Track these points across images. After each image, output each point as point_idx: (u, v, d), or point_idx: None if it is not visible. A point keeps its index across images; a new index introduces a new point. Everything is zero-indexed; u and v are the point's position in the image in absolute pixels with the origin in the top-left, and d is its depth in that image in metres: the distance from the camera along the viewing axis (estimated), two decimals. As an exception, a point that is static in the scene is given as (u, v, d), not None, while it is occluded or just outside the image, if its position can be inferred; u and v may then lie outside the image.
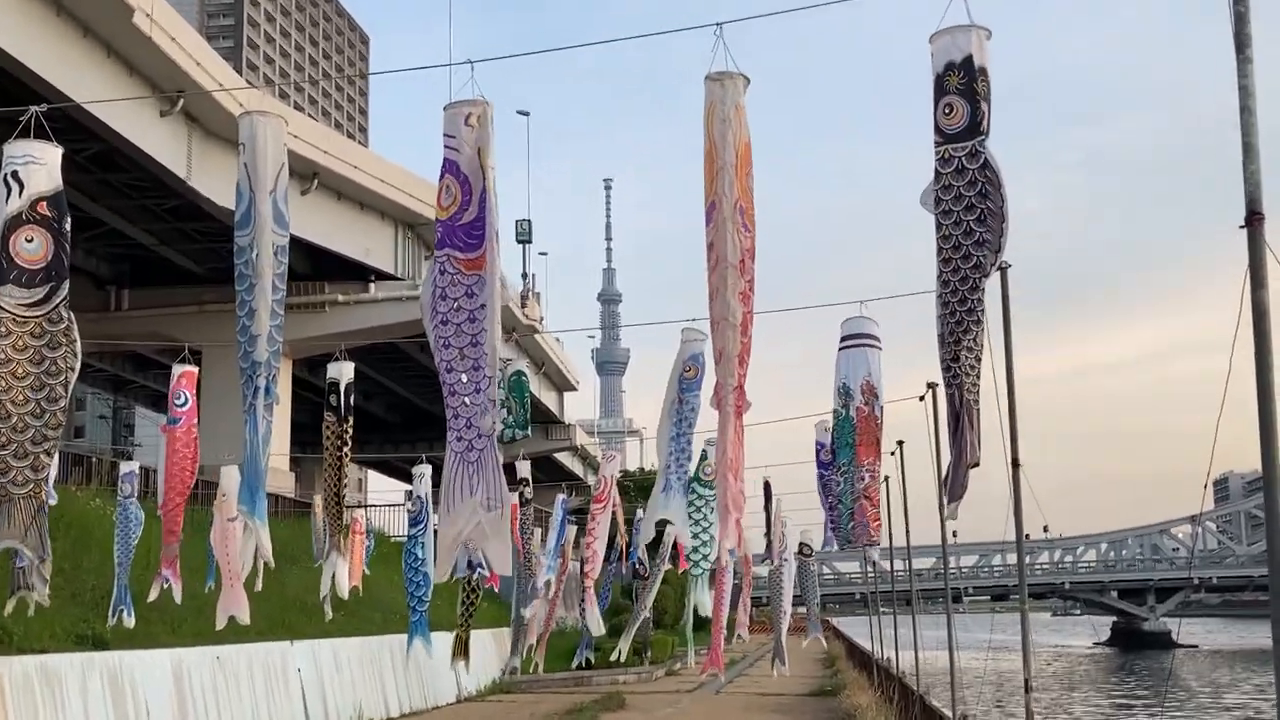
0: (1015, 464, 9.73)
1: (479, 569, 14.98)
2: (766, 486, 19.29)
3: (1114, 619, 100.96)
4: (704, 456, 12.72)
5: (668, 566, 21.42)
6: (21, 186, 7.65)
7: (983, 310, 6.67)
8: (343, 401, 11.25)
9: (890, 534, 25.77)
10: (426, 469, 16.07)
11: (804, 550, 19.77)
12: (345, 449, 11.15)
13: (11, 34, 25.70)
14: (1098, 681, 60.16)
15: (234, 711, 17.95)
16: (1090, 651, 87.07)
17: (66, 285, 7.66)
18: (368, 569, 23.72)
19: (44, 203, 7.66)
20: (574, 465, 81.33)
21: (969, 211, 6.54)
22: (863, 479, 12.54)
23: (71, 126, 27.91)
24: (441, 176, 7.22)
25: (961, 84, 6.56)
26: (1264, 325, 5.34)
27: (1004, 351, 10.29)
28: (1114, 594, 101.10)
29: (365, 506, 44.15)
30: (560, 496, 21.93)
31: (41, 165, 7.74)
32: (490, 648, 30.30)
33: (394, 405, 64.61)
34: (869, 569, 43.39)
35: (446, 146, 7.19)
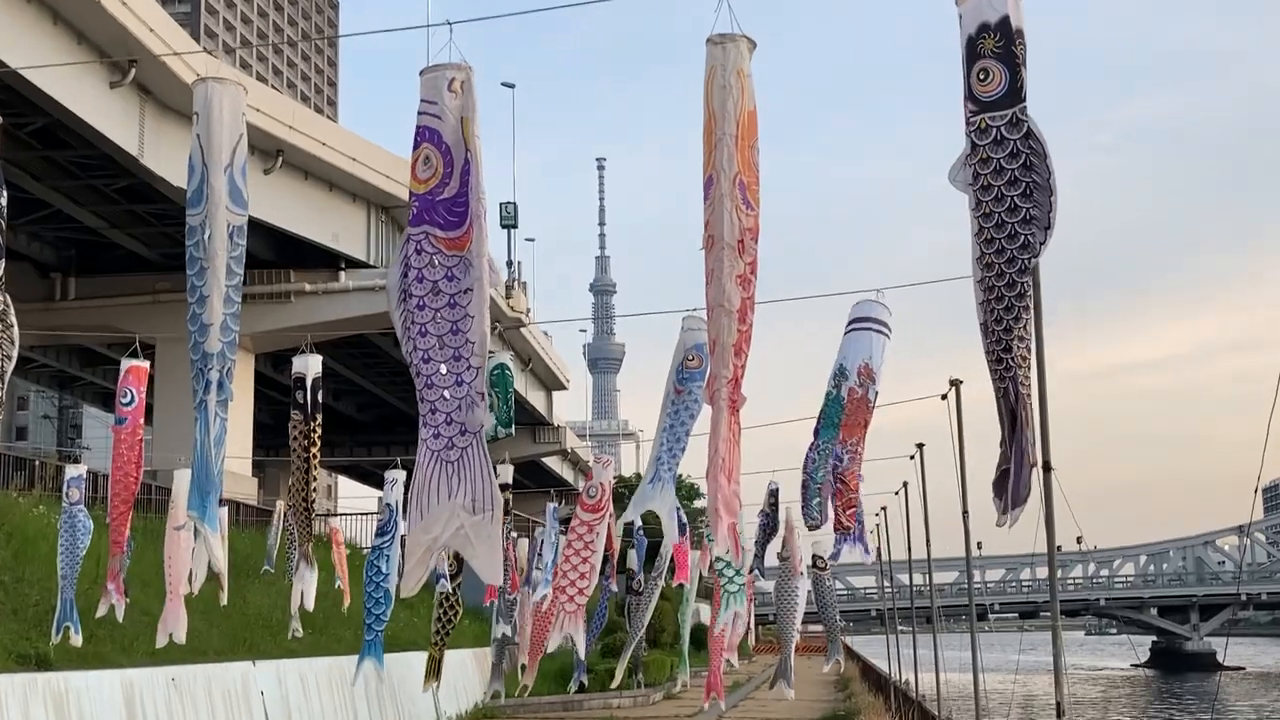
0: (1046, 468, 9.70)
1: (441, 579, 14.93)
2: (774, 494, 19.26)
3: (1154, 638, 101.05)
4: None
5: (678, 584, 21.45)
6: (-47, 161, 7.59)
7: (1031, 294, 6.62)
8: (310, 398, 11.21)
9: (909, 546, 25.83)
10: (400, 474, 16.01)
11: (818, 564, 19.75)
12: (314, 450, 11.11)
13: (-54, -3, 25.66)
14: (1136, 706, 60.23)
15: (190, 738, 17.92)
16: (1128, 673, 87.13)
17: (2, 267, 7.60)
18: (338, 583, 23.74)
19: (-22, 179, 7.60)
20: (563, 471, 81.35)
21: (1012, 186, 6.49)
22: (840, 459, 12.64)
23: (13, 98, 27.87)
24: (418, 146, 7.13)
25: (998, 47, 6.52)
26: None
27: (1035, 346, 10.27)
28: (1154, 611, 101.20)
29: (335, 515, 44.14)
30: (551, 505, 21.90)
31: (-23, 138, 7.69)
32: (471, 669, 30.29)
33: (366, 404, 64.58)
34: (886, 583, 43.45)
35: (425, 113, 7.10)
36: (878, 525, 34.97)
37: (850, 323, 12.62)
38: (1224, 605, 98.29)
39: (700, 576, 23.20)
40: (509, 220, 65.73)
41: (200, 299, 8.05)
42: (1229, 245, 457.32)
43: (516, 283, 58.71)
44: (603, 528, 15.96)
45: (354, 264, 42.72)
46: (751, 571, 19.72)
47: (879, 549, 37.44)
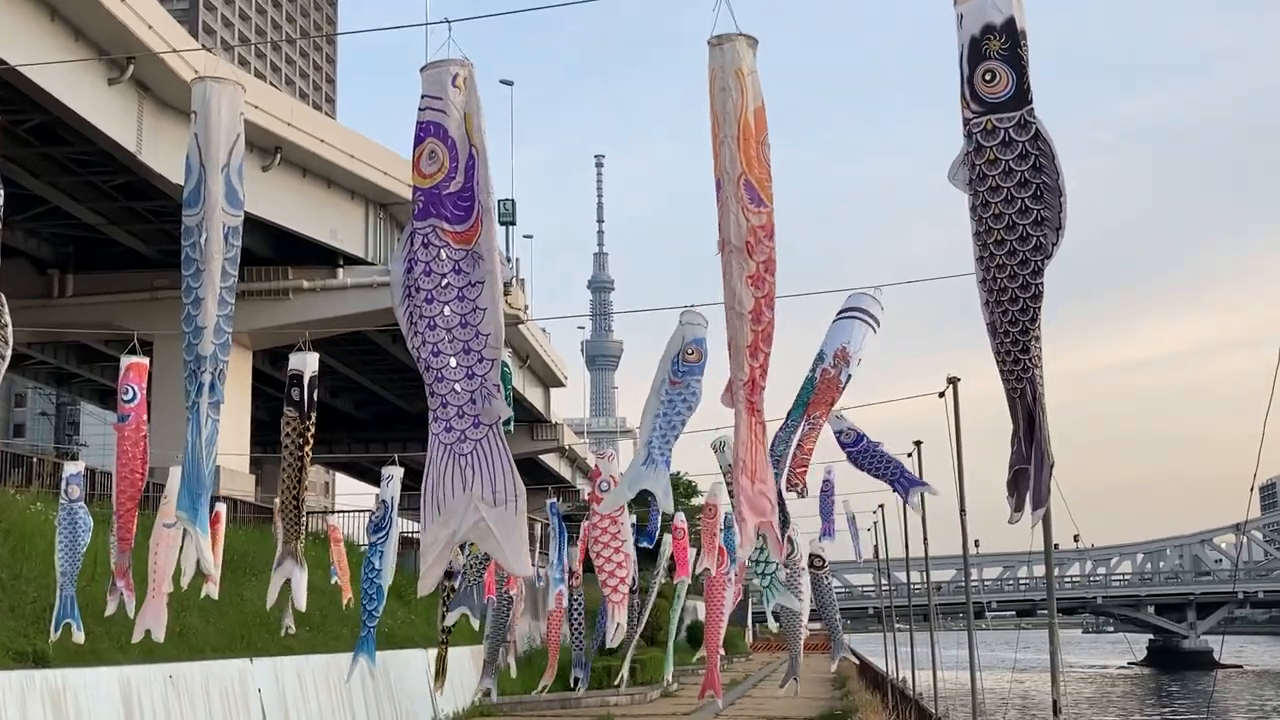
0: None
1: (456, 575, 14.87)
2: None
3: (1150, 637, 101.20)
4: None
5: (663, 580, 21.48)
6: (-48, 158, 7.58)
7: (1044, 295, 6.63)
8: (306, 396, 11.20)
9: (907, 544, 25.84)
10: (397, 471, 16.02)
11: (815, 562, 19.74)
12: (307, 448, 11.11)
13: (-56, -7, 25.65)
14: (1133, 704, 60.30)
15: (188, 736, 17.93)
16: (1125, 672, 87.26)
17: (-2, 264, 7.59)
18: (335, 580, 23.75)
19: (-24, 175, 7.59)
20: (561, 468, 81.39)
21: (1023, 188, 6.50)
22: (800, 429, 12.79)
23: (11, 95, 27.87)
24: (422, 140, 7.12)
25: (1004, 49, 6.52)
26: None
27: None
28: (1151, 609, 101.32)
29: (333, 512, 44.16)
30: (551, 500, 21.93)
31: (-25, 134, 7.66)
32: (469, 666, 30.31)
33: (363, 402, 64.60)
34: (883, 581, 43.47)
35: (429, 108, 7.10)
36: (875, 523, 35.01)
37: (839, 312, 12.75)
38: (1221, 603, 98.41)
39: (694, 575, 23.24)
40: (507, 217, 65.72)
41: (195, 300, 8.03)
42: (1228, 244, 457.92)
43: (514, 280, 58.72)
44: (624, 517, 15.98)
45: (352, 261, 42.72)
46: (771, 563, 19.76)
47: (876, 547, 37.52)
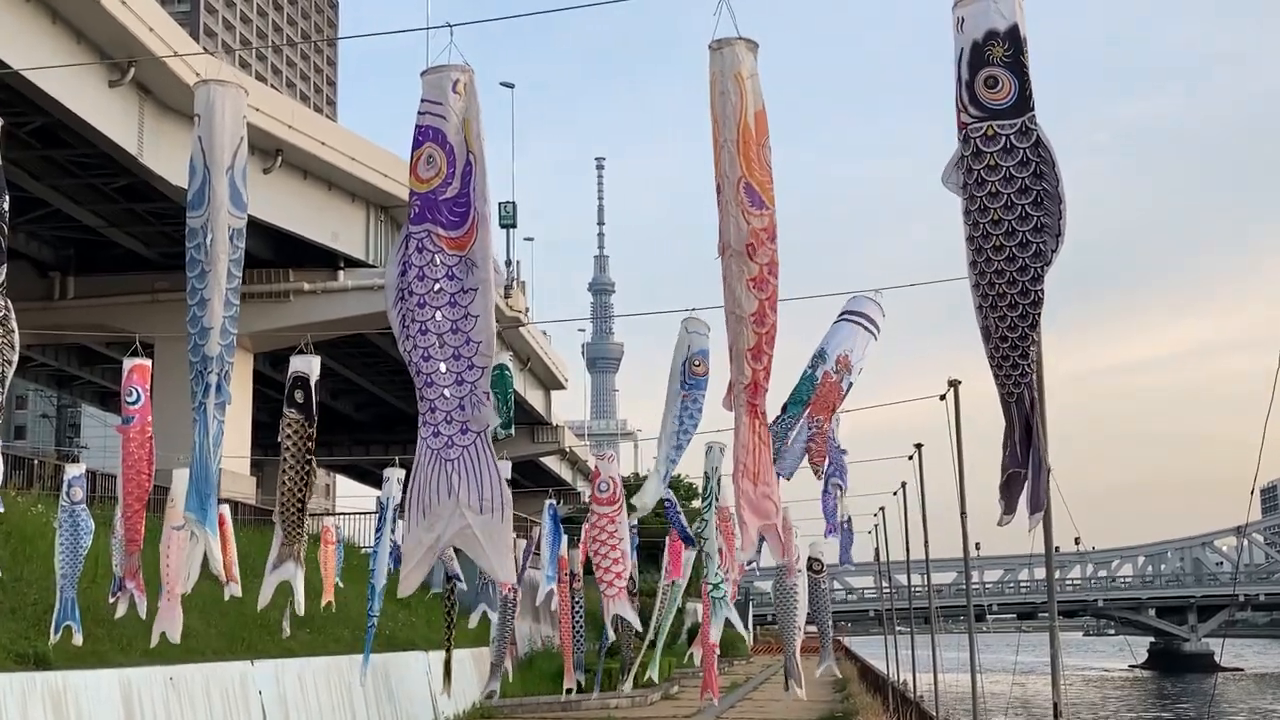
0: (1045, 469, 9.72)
1: (456, 580, 14.89)
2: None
3: (1151, 639, 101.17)
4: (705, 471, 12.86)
5: (670, 580, 21.48)
6: (-46, 162, 7.59)
7: (1043, 301, 6.64)
8: (310, 398, 11.22)
9: (908, 547, 25.84)
10: (398, 472, 16.04)
11: (813, 566, 19.75)
12: (310, 449, 11.13)
13: (-54, -4, 25.67)
14: (1134, 707, 60.27)
15: (189, 738, 17.94)
16: (1126, 674, 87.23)
17: (4, 270, 7.62)
18: (340, 582, 23.72)
19: (-21, 179, 7.60)
20: (562, 470, 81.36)
21: (1023, 194, 6.51)
22: (806, 429, 12.94)
23: (13, 98, 27.89)
24: (420, 144, 7.14)
25: (1007, 55, 6.52)
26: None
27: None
28: (1152, 612, 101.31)
29: (333, 514, 44.16)
30: (549, 501, 21.94)
31: (-22, 137, 7.68)
32: (470, 668, 30.31)
33: (364, 403, 64.61)
34: (884, 584, 43.46)
35: (429, 113, 7.11)
36: (875, 526, 35.00)
37: (841, 313, 12.78)
38: (1222, 606, 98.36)
39: (695, 577, 23.28)
40: (507, 220, 65.73)
41: (201, 302, 8.06)
42: (1228, 245, 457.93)
43: (515, 282, 58.72)
44: (622, 517, 16.01)
45: (353, 263, 42.74)
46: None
47: (877, 549, 37.50)
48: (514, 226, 65.90)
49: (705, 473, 14.56)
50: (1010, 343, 6.66)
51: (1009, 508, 6.92)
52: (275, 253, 40.99)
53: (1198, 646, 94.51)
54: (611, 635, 17.03)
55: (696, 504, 50.41)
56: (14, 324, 7.68)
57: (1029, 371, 6.70)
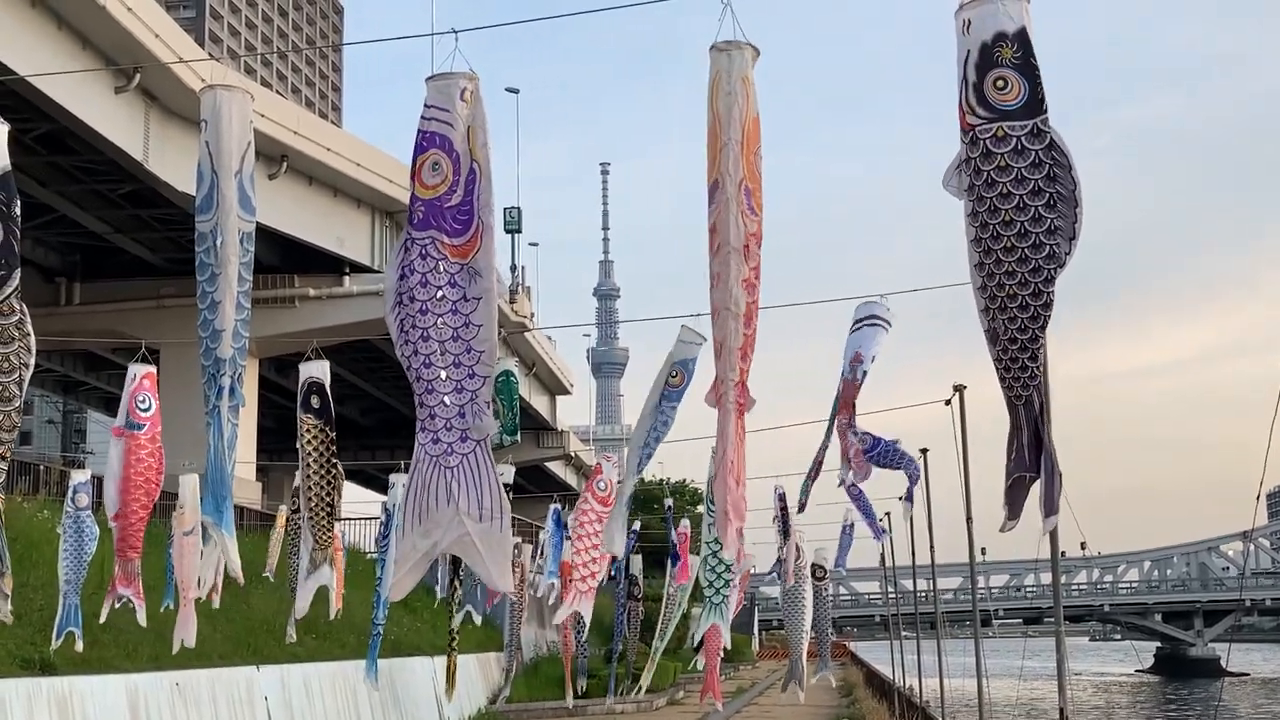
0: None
1: (452, 585, 14.84)
2: (782, 498, 19.29)
3: (1158, 644, 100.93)
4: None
5: (676, 583, 21.48)
6: (-35, 167, 7.58)
7: (1053, 304, 6.64)
8: (328, 403, 11.30)
9: (914, 552, 25.81)
10: (403, 478, 16.04)
11: (816, 573, 19.78)
12: (332, 452, 11.20)
13: (-48, 2, 25.72)
14: (1140, 712, 60.17)
15: (195, 743, 17.95)
16: (1132, 679, 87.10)
17: (18, 275, 7.63)
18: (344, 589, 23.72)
19: (-10, 184, 7.61)
20: (567, 475, 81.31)
21: (1036, 195, 6.51)
22: (832, 435, 13.57)
23: (19, 104, 27.93)
24: (425, 150, 7.14)
25: (1016, 57, 6.54)
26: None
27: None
28: (1158, 617, 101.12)
29: (338, 519, 44.17)
30: (554, 506, 21.97)
31: (-13, 144, 7.68)
32: (474, 673, 30.32)
33: (369, 409, 64.62)
34: (890, 589, 43.44)
35: (435, 119, 7.11)
36: (881, 531, 34.95)
37: (854, 323, 13.00)
38: (1228, 611, 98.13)
39: (697, 581, 23.33)
40: (512, 225, 65.78)
41: (212, 305, 8.07)
42: (1234, 248, 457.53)
43: (520, 287, 58.79)
44: (619, 510, 15.98)
45: (358, 269, 42.79)
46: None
47: (882, 554, 37.48)
48: (519, 232, 66.00)
49: (711, 477, 14.60)
50: (1020, 344, 6.65)
51: (1013, 513, 6.90)
52: (281, 258, 41.03)
53: (1204, 651, 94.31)
54: (559, 619, 17.17)
55: (701, 508, 50.41)
56: (29, 328, 7.69)
57: (1037, 374, 6.69)
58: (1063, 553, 10.70)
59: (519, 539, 22.76)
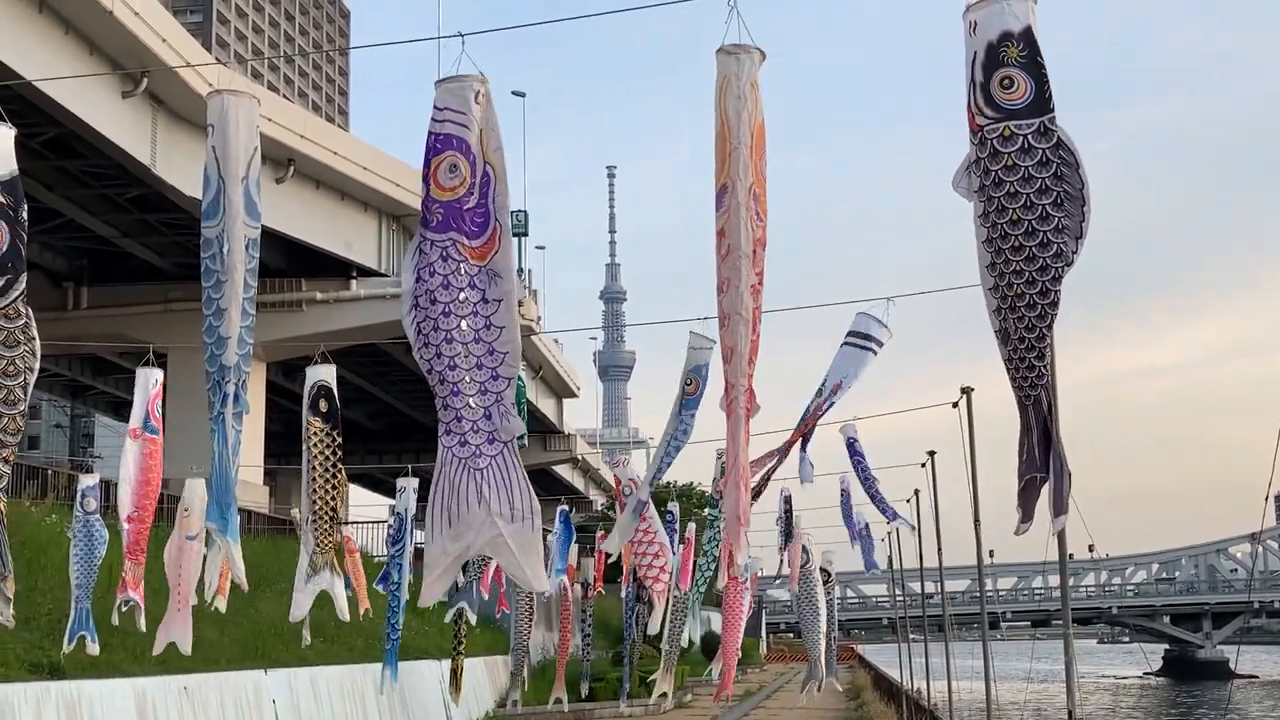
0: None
1: (458, 591, 14.81)
2: (787, 500, 19.29)
3: (1166, 646, 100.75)
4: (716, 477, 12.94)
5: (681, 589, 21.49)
6: (-27, 171, 7.58)
7: (1060, 303, 6.63)
8: (335, 407, 11.31)
9: (921, 554, 25.78)
10: (411, 482, 16.04)
11: (821, 576, 19.76)
12: (338, 457, 11.20)
13: (-40, 8, 25.77)
14: (1149, 714, 60.05)
15: (203, 747, 17.94)
16: (1140, 682, 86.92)
17: (24, 279, 7.63)
18: (352, 591, 23.71)
19: (-1, 188, 7.61)
20: (574, 478, 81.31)
21: (1043, 194, 6.50)
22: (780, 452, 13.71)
23: (26, 108, 27.96)
24: (441, 152, 7.11)
25: (1023, 56, 6.54)
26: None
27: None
28: (1166, 619, 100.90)
29: (346, 523, 44.22)
30: (561, 509, 21.96)
31: (-5, 148, 7.67)
32: (482, 676, 30.31)
33: (377, 412, 64.65)
34: (897, 591, 43.39)
35: (451, 121, 7.09)
36: (889, 533, 34.91)
37: (846, 336, 12.87)
38: (1237, 613, 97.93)
39: (711, 585, 23.32)
40: (519, 228, 65.88)
41: (217, 311, 8.07)
42: (1241, 248, 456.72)
43: (527, 290, 58.84)
44: (651, 512, 16.00)
45: (366, 273, 42.82)
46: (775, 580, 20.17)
47: (890, 557, 37.42)
48: (525, 235, 66.07)
49: (715, 479, 14.59)
50: (1028, 344, 6.64)
51: (1026, 515, 6.89)
52: (288, 262, 41.06)
53: (1212, 654, 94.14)
54: (656, 627, 17.16)
55: (705, 511, 50.41)
56: (35, 332, 7.70)
57: (1045, 374, 6.68)
58: (1071, 555, 10.68)
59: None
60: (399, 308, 7.30)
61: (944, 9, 6.86)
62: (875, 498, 18.38)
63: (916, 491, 24.63)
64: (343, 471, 11.22)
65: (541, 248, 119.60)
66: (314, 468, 11.16)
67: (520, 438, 7.32)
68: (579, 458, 78.93)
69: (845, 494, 21.62)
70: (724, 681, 16.50)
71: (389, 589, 14.82)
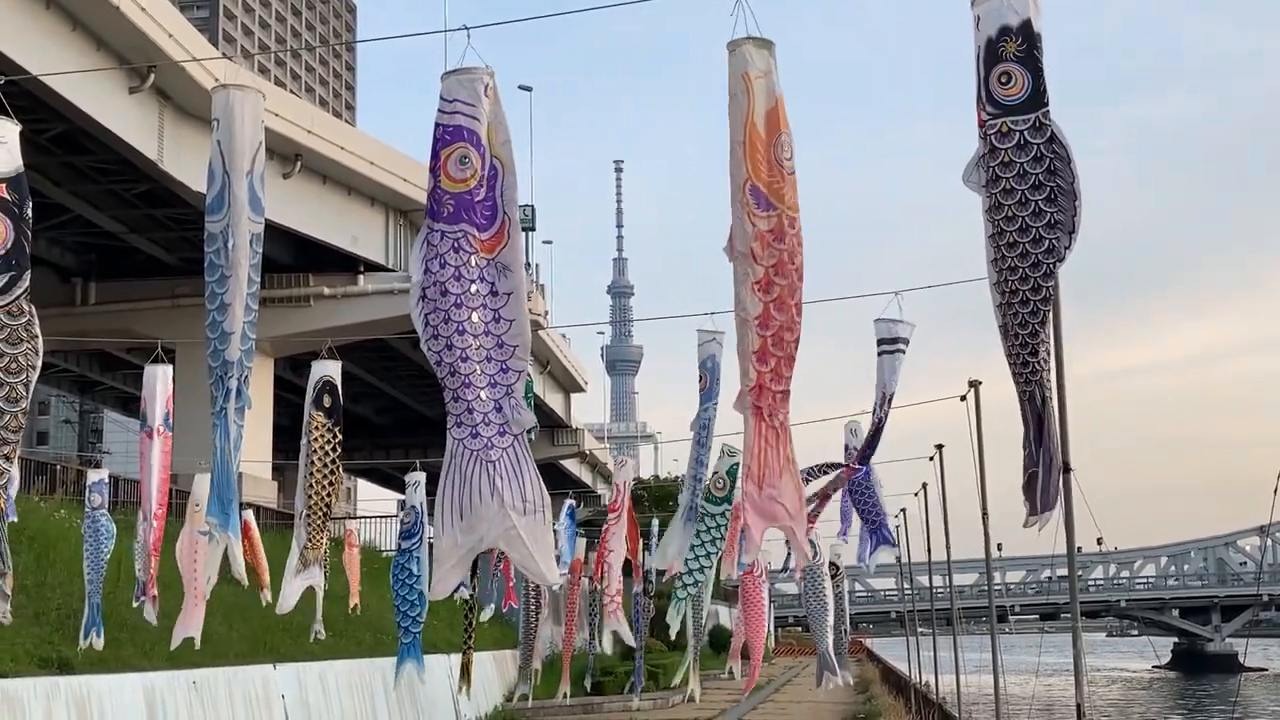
0: (1066, 469, 9.64)
1: (463, 585, 14.86)
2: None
3: (1175, 640, 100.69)
4: (716, 470, 12.86)
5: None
6: (-23, 166, 7.59)
7: (1053, 298, 6.63)
8: (338, 403, 11.30)
9: (929, 548, 25.76)
10: (421, 476, 16.05)
11: (830, 570, 19.75)
12: (338, 453, 11.20)
13: (-33, 4, 25.80)
14: (1158, 707, 60.01)
15: (212, 741, 17.97)
16: (1149, 675, 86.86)
17: (28, 276, 7.64)
18: (360, 586, 23.77)
19: (3, 185, 7.58)
20: (582, 473, 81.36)
21: (1036, 190, 6.50)
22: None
23: (33, 104, 28.00)
24: (450, 144, 7.07)
25: (1020, 51, 6.53)
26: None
27: (1055, 346, 10.27)
28: (1175, 612, 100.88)
29: (354, 518, 44.26)
30: (568, 503, 21.97)
31: (1, 144, 7.68)
32: (490, 670, 30.34)
33: (385, 408, 64.72)
34: (906, 585, 43.39)
35: (461, 113, 7.05)
36: (897, 527, 34.91)
37: (881, 345, 12.90)
38: (1245, 606, 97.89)
39: (718, 579, 23.33)
40: (526, 223, 65.59)
41: (221, 306, 8.06)
42: (1250, 244, 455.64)
43: (534, 285, 58.81)
44: (620, 527, 15.99)
45: (373, 267, 42.85)
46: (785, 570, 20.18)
47: (898, 551, 37.41)
48: (533, 230, 65.99)
49: (724, 473, 14.57)
50: (1021, 340, 6.67)
51: (1033, 509, 6.89)
52: (295, 257, 41.09)
53: (1221, 647, 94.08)
54: (629, 640, 17.17)
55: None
56: (38, 329, 7.70)
57: (1038, 369, 6.70)
58: (1079, 548, 10.65)
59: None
60: (406, 302, 7.28)
61: (949, 3, 6.83)
62: (877, 523, 18.14)
63: (925, 485, 24.59)
64: (340, 468, 11.22)
65: (549, 242, 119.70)
66: (312, 463, 11.17)
67: (530, 430, 7.30)
68: (586, 452, 78.99)
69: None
70: (750, 677, 16.60)
71: (406, 582, 14.81)
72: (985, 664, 17.63)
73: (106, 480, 16.02)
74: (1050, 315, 6.70)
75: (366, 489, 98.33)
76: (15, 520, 12.40)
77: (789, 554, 17.51)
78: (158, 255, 41.60)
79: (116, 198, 37.42)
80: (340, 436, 11.21)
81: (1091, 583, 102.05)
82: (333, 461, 11.20)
